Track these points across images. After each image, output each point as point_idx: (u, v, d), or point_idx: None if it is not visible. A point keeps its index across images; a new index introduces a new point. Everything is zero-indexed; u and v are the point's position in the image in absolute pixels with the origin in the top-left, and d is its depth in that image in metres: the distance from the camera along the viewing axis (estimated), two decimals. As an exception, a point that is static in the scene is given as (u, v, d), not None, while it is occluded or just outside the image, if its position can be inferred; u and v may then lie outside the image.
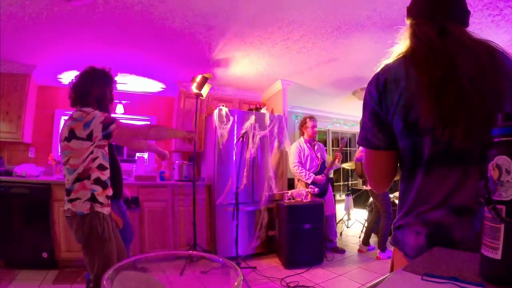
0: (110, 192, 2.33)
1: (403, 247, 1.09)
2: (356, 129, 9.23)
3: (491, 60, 0.99)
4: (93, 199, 2.17)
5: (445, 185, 0.99)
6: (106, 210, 2.25)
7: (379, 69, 1.16)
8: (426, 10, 1.12)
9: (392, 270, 1.19)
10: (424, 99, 0.98)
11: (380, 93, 1.10)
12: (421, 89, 0.99)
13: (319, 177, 5.05)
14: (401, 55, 1.12)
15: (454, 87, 0.96)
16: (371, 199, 5.40)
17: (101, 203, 2.20)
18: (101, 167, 2.24)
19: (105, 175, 2.28)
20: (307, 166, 5.14)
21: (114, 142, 2.75)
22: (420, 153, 1.04)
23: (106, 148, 2.30)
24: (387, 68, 1.12)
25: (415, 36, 1.11)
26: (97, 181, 2.21)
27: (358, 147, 5.33)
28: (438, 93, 0.96)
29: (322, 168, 5.17)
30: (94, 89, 2.37)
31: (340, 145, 5.32)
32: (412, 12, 1.18)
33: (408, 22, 1.19)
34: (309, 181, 5.00)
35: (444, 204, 0.99)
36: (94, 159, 2.20)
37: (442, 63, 0.99)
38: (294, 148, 5.24)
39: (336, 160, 5.25)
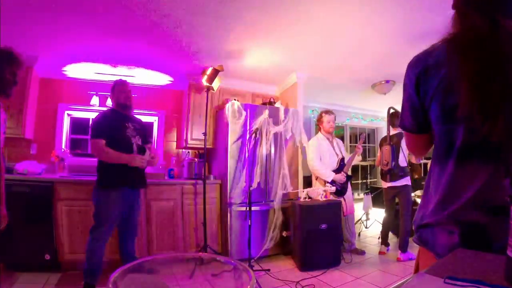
0: None
1: (433, 247, 1.09)
2: (375, 124, 9.16)
3: None
4: None
5: (478, 180, 0.99)
6: None
7: (420, 52, 1.17)
8: (477, 2, 1.07)
9: (417, 271, 1.21)
10: (465, 87, 0.97)
11: (419, 77, 1.13)
12: (464, 77, 0.98)
13: (339, 175, 4.98)
14: (444, 40, 1.10)
15: (500, 78, 0.94)
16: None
17: None
18: None
19: None
20: (327, 163, 5.07)
21: None
22: (453, 141, 1.06)
23: None
24: (428, 52, 1.13)
25: (462, 24, 1.08)
26: None
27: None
28: (482, 82, 0.95)
29: (341, 165, 5.11)
30: None
31: (359, 140, 5.25)
32: (459, 3, 1.13)
33: (454, 11, 1.15)
34: (329, 180, 4.94)
35: (477, 202, 0.99)
36: None
37: (489, 53, 0.97)
38: (313, 143, 5.18)
39: (357, 153, 5.26)
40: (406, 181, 4.96)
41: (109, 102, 5.08)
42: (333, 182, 4.94)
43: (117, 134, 3.43)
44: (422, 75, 1.11)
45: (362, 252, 5.14)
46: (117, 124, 3.48)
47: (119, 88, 3.62)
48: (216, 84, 4.55)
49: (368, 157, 9.27)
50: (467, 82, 0.97)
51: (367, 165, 8.40)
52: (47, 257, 4.04)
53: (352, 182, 6.54)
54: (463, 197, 1.01)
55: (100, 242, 3.27)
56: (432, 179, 1.16)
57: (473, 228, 0.99)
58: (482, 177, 0.98)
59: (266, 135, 4.98)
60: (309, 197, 4.87)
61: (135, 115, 3.86)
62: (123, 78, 5.37)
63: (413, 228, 1.24)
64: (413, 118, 1.21)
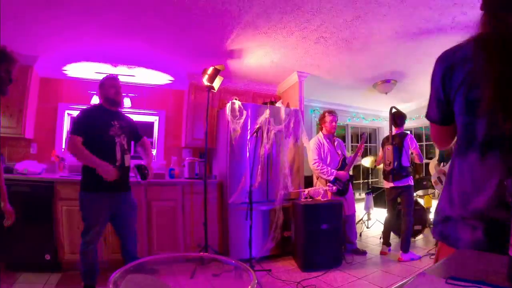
0: None
1: (455, 242, 1.09)
2: (377, 124, 9.15)
3: None
4: None
5: (496, 175, 1.00)
6: None
7: (448, 48, 1.21)
8: (508, 3, 1.08)
9: None
10: (489, 85, 1.00)
11: (446, 71, 1.17)
12: (489, 75, 1.01)
13: (342, 172, 5.01)
14: (473, 38, 1.13)
15: None
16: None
17: None
18: None
19: None
20: (328, 163, 5.09)
21: None
22: (474, 134, 1.09)
23: None
24: (456, 48, 1.18)
25: (491, 24, 1.09)
26: None
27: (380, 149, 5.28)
28: (506, 82, 0.97)
29: (343, 165, 5.13)
30: None
31: (361, 140, 5.24)
32: (489, 3, 1.14)
33: (483, 12, 1.16)
34: (331, 178, 4.94)
35: (500, 198, 0.99)
36: None
37: None
38: (313, 143, 5.19)
39: (359, 153, 5.26)
40: (409, 181, 4.96)
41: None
42: (334, 182, 4.95)
43: (99, 132, 3.28)
44: (448, 70, 1.15)
45: (363, 252, 5.13)
46: (101, 122, 3.34)
47: (109, 83, 3.48)
48: (217, 84, 4.53)
49: (370, 155, 9.25)
50: (492, 80, 0.99)
51: (368, 166, 8.37)
52: (47, 257, 4.05)
53: (354, 182, 6.53)
54: (486, 192, 1.02)
55: (91, 245, 3.20)
56: (453, 171, 1.18)
57: (496, 225, 0.98)
58: (499, 172, 1.00)
59: (267, 134, 4.98)
60: (310, 197, 4.87)
61: (124, 113, 3.69)
62: (124, 78, 5.41)
63: (433, 220, 1.25)
64: (438, 110, 1.26)
